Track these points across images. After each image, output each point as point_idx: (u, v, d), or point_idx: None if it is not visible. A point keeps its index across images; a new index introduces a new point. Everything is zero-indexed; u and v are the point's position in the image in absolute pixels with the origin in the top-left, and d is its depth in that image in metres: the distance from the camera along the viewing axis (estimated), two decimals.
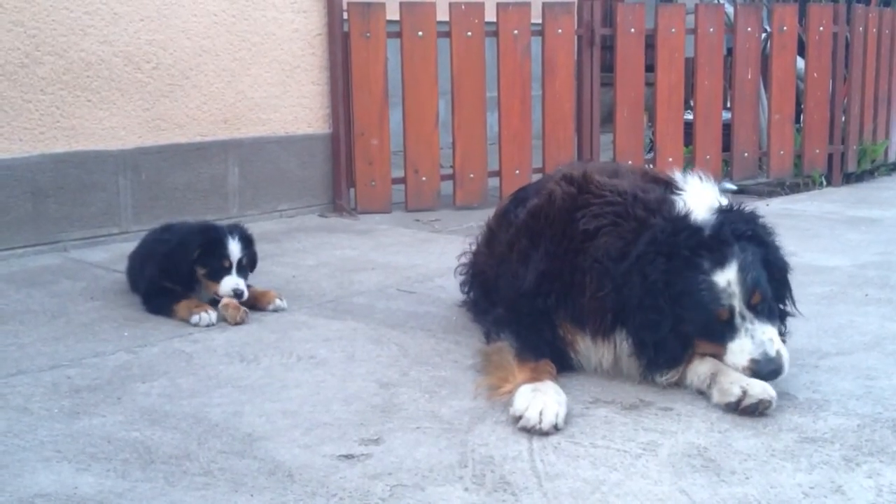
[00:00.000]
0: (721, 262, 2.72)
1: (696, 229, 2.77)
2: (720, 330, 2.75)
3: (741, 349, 2.72)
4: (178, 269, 3.68)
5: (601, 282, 2.82)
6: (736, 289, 2.71)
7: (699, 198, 2.91)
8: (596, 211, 2.93)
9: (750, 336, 2.72)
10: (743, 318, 2.73)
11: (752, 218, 2.91)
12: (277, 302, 3.76)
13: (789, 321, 2.98)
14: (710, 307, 2.72)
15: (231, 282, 3.66)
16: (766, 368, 2.70)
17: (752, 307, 2.73)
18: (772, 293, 2.81)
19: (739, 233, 2.79)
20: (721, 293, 2.71)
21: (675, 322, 2.76)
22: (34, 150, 4.80)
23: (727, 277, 2.71)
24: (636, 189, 2.98)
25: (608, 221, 2.90)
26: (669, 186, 3.01)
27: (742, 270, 2.71)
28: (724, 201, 2.93)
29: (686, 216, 2.82)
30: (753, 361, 2.70)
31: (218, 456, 2.43)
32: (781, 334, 2.89)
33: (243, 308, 3.63)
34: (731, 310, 2.72)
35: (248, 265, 3.79)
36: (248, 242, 3.79)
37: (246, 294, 3.68)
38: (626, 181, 3.09)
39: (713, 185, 3.05)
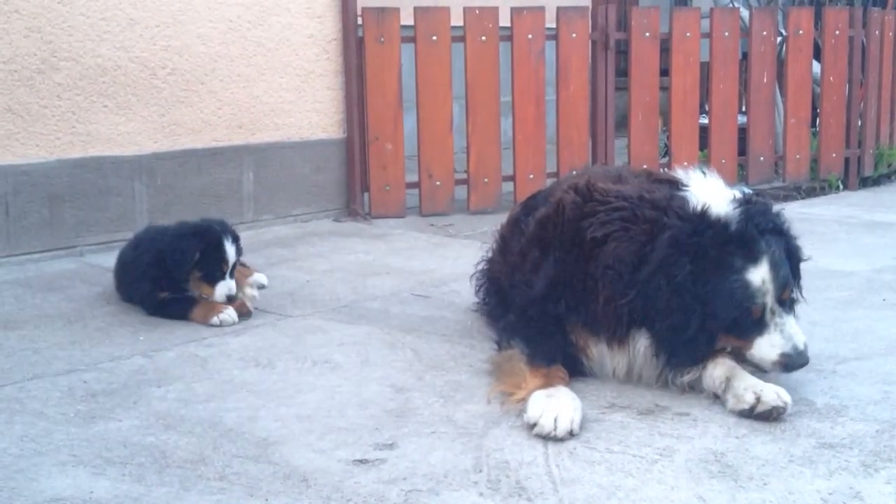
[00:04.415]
0: (753, 260, 2.70)
1: (721, 226, 2.74)
2: (750, 326, 2.73)
3: (771, 344, 2.71)
4: (177, 274, 3.67)
5: (617, 288, 2.80)
6: (770, 286, 2.69)
7: (710, 191, 2.88)
8: (603, 218, 2.91)
9: (779, 330, 2.71)
10: (773, 313, 2.72)
11: (770, 209, 2.89)
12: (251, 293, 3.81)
13: (802, 322, 2.95)
14: (745, 305, 2.70)
15: (225, 287, 3.69)
16: (797, 361, 2.70)
17: (782, 302, 2.72)
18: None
19: (763, 226, 2.76)
20: (756, 291, 2.69)
21: (703, 320, 2.73)
22: (50, 156, 4.83)
23: (761, 275, 2.69)
24: (641, 191, 2.96)
25: (616, 228, 2.87)
26: (675, 185, 2.98)
27: (774, 267, 2.70)
28: (738, 192, 2.90)
29: (705, 212, 2.78)
30: (784, 356, 2.70)
31: (233, 460, 2.43)
32: None
33: (247, 302, 3.73)
34: (764, 307, 2.71)
35: (236, 265, 3.83)
36: (238, 243, 3.81)
37: (232, 297, 3.72)
38: (631, 184, 3.07)
39: (717, 177, 3.01)
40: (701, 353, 2.78)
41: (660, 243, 2.75)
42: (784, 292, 2.72)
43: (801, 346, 2.71)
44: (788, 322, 2.73)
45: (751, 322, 2.73)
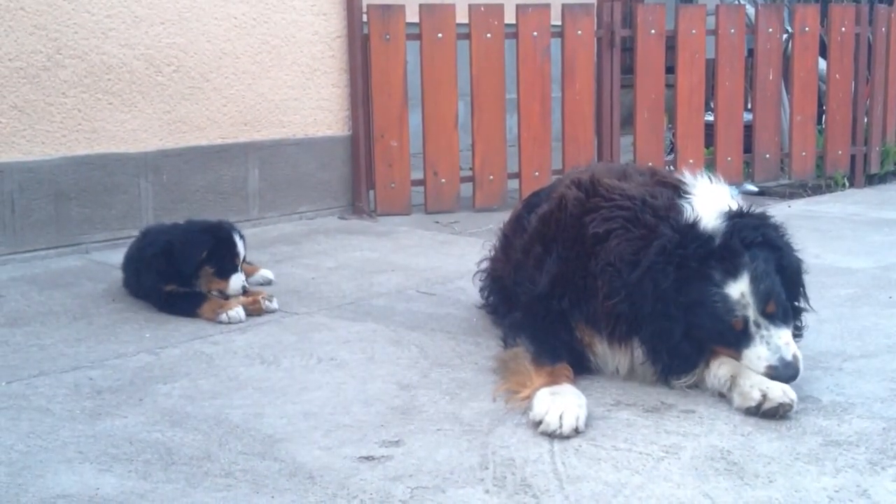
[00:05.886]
0: (733, 274, 2.70)
1: (705, 239, 2.75)
2: (735, 338, 2.74)
3: (758, 356, 2.71)
4: (185, 267, 3.70)
5: (613, 287, 2.81)
6: (750, 300, 2.69)
7: (708, 202, 2.87)
8: (606, 214, 2.92)
9: (766, 343, 2.70)
10: (758, 325, 2.71)
11: (762, 222, 2.87)
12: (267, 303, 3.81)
13: (809, 319, 2.96)
14: (725, 318, 2.71)
15: (238, 280, 3.77)
16: (784, 374, 2.68)
17: (767, 315, 2.71)
18: (785, 294, 2.79)
19: (749, 240, 2.76)
20: (735, 305, 2.70)
21: (687, 329, 2.75)
22: (56, 153, 4.83)
23: (740, 289, 2.69)
24: (645, 194, 2.96)
25: (618, 225, 2.88)
26: (678, 190, 2.97)
27: (755, 281, 2.70)
28: (735, 204, 2.89)
29: (694, 224, 2.79)
30: (771, 368, 2.69)
31: (239, 457, 2.44)
32: (798, 330, 2.90)
33: (261, 299, 3.76)
34: (746, 320, 2.71)
35: (244, 260, 3.90)
36: (244, 240, 3.88)
37: (247, 288, 3.83)
38: (635, 184, 3.06)
39: (724, 185, 3.01)
40: (690, 362, 2.79)
41: (650, 250, 2.77)
42: (768, 306, 2.70)
43: (789, 358, 2.69)
44: (777, 334, 2.71)
45: (736, 334, 2.73)
